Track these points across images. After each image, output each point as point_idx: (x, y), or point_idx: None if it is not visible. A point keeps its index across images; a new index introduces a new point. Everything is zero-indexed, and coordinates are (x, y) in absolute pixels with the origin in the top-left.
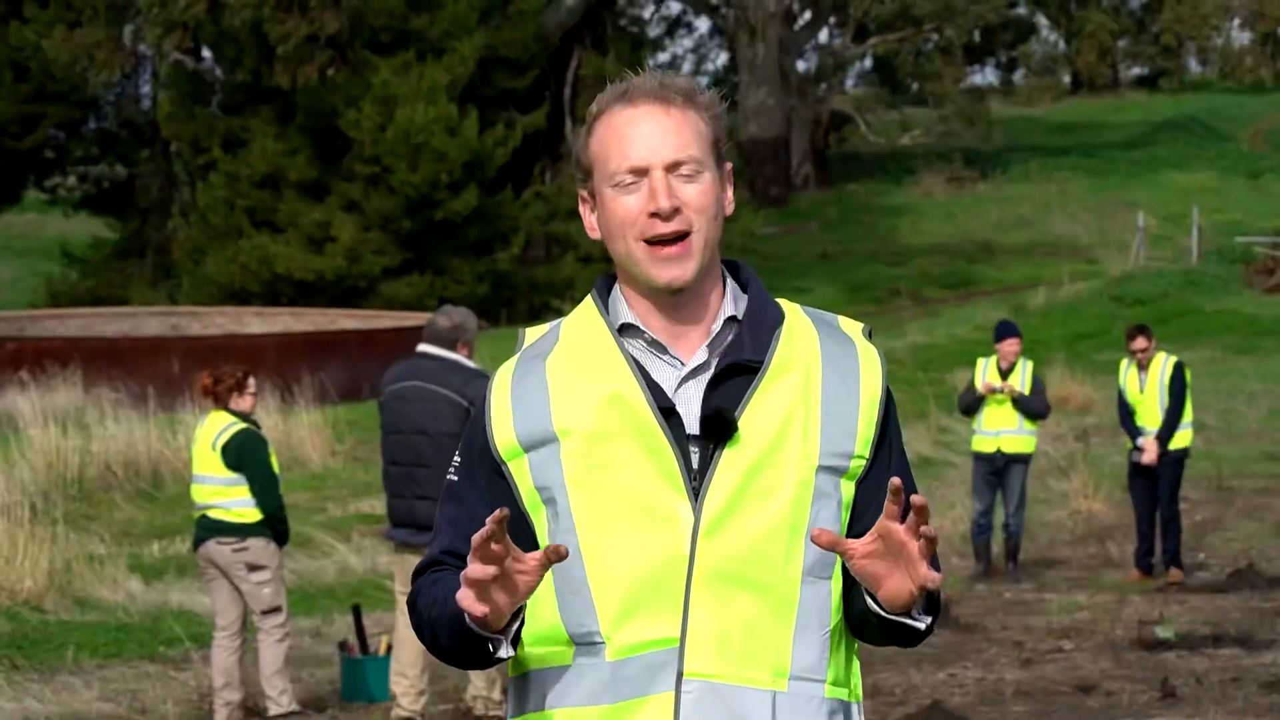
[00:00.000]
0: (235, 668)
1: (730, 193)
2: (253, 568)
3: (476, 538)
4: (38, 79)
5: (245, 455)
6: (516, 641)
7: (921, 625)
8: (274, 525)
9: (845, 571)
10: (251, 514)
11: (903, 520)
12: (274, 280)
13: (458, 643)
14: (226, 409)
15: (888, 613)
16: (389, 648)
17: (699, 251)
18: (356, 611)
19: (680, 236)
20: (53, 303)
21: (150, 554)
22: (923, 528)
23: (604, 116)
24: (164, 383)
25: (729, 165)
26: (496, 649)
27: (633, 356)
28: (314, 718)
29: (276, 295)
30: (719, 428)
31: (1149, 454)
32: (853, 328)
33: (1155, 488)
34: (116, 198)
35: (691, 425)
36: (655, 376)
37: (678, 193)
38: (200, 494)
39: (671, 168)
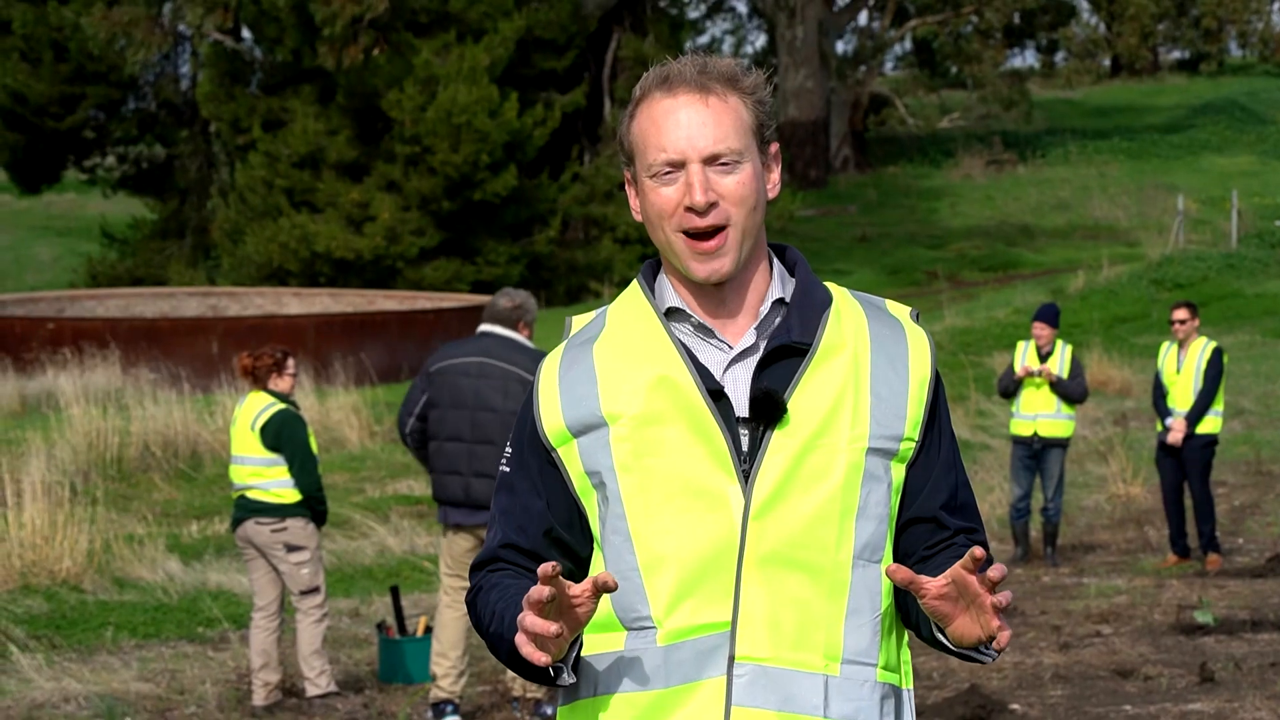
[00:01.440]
0: (273, 648)
1: (775, 175)
2: (291, 548)
3: (534, 595)
4: (77, 59)
5: (284, 435)
6: (578, 666)
7: (989, 660)
8: (312, 506)
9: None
10: (290, 494)
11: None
12: (312, 259)
13: (519, 667)
14: (265, 389)
15: (955, 646)
16: (427, 629)
17: (736, 244)
18: (395, 592)
19: (717, 229)
20: (92, 283)
21: (189, 534)
22: (996, 597)
23: (645, 102)
24: (202, 363)
25: (774, 147)
26: (558, 676)
27: (680, 340)
28: (351, 699)
29: (314, 274)
30: (768, 409)
31: (1175, 433)
32: (900, 311)
33: (1182, 470)
34: (156, 178)
35: (740, 407)
36: (703, 359)
37: (715, 186)
38: (239, 474)
39: (709, 160)
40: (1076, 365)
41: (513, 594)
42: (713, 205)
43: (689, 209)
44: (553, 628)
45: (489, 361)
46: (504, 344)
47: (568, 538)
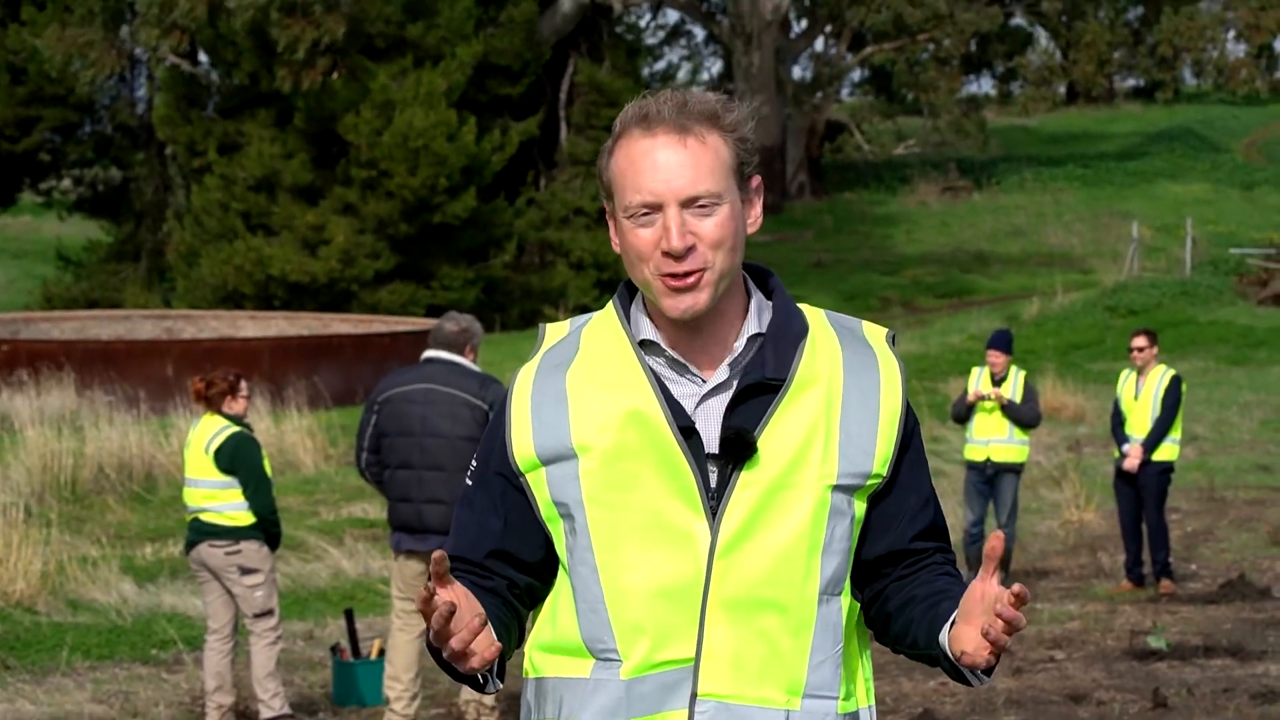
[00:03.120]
0: (227, 670)
1: (757, 209)
2: (245, 570)
3: (419, 598)
4: (34, 82)
5: (238, 458)
6: (502, 675)
7: (979, 683)
8: (267, 528)
9: (890, 592)
10: (244, 517)
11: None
12: (267, 282)
13: (448, 672)
14: (219, 413)
15: (952, 657)
16: (381, 652)
17: (712, 284)
18: (349, 615)
19: (694, 273)
20: (47, 305)
21: (143, 556)
22: (1000, 633)
23: (624, 140)
24: (157, 385)
25: (755, 181)
26: (486, 683)
27: (654, 372)
28: None
29: (269, 298)
30: (738, 448)
31: (1131, 459)
32: (876, 335)
33: (1140, 497)
34: (111, 200)
35: (711, 444)
36: (675, 394)
37: (692, 228)
38: (193, 497)
39: (687, 203)
40: (1030, 390)
41: None
42: (690, 249)
43: (666, 253)
44: (445, 610)
45: (435, 388)
46: (449, 369)
47: (521, 556)
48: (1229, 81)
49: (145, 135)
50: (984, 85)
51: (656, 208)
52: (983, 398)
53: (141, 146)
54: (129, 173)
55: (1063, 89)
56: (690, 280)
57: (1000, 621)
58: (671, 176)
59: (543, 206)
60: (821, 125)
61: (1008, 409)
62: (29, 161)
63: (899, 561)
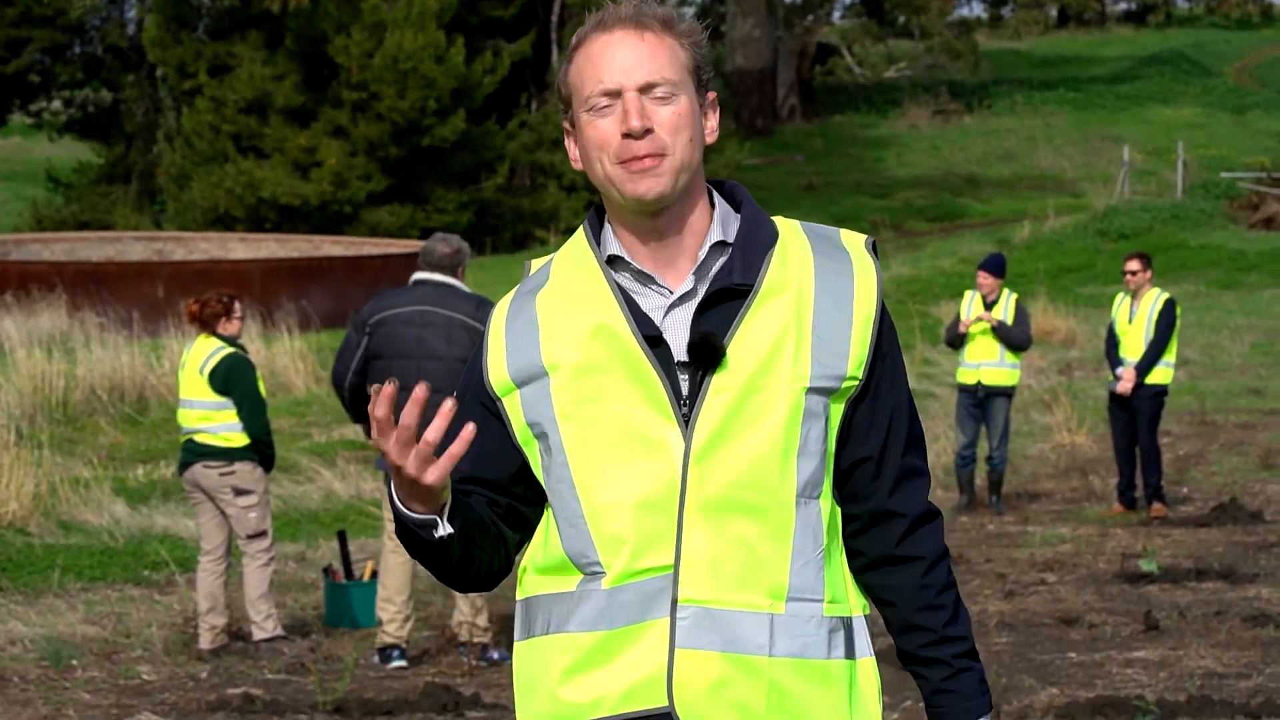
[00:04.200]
0: (220, 592)
1: (713, 121)
2: (239, 491)
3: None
4: (23, 2)
5: (234, 379)
6: (454, 519)
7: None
8: (260, 450)
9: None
10: (238, 438)
11: None
12: (258, 205)
13: (410, 543)
14: (214, 334)
15: None
16: (373, 573)
17: (673, 170)
18: (342, 537)
19: (654, 156)
20: (37, 226)
21: (135, 478)
22: None
23: (582, 45)
24: (148, 307)
25: (712, 94)
26: (435, 529)
27: (620, 286)
28: (298, 642)
29: (260, 220)
30: (706, 353)
31: (1124, 383)
32: (854, 242)
33: (1134, 421)
34: (102, 122)
35: (680, 353)
36: (643, 306)
37: (651, 114)
38: (187, 418)
39: (645, 89)
40: (1021, 312)
41: None
42: (648, 131)
43: (626, 135)
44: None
45: (430, 309)
46: (444, 291)
47: (499, 481)
48: (1221, 5)
49: (136, 57)
50: (975, 8)
51: (615, 94)
52: (976, 319)
53: (132, 68)
54: (119, 94)
55: (1054, 12)
56: (650, 161)
57: None
58: (630, 66)
59: (534, 129)
60: (813, 48)
61: (999, 330)
62: (19, 83)
63: (866, 482)
